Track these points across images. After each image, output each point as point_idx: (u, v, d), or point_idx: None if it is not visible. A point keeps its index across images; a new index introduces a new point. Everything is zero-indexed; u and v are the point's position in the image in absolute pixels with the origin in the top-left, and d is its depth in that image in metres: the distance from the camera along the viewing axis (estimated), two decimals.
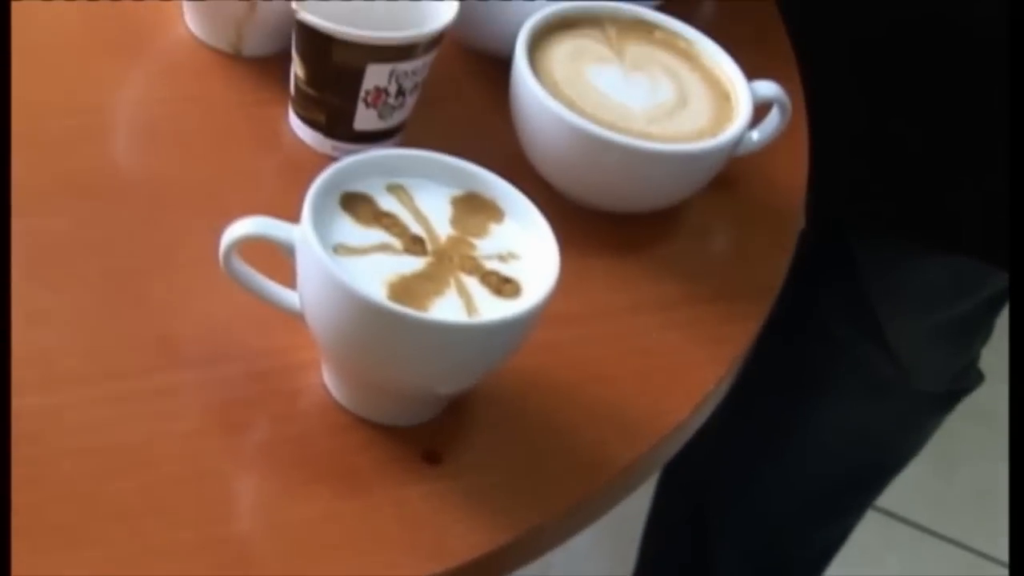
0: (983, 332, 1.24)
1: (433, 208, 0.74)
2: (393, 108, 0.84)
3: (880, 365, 1.21)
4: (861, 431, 1.28)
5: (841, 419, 1.27)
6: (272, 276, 0.74)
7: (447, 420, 0.75)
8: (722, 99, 0.88)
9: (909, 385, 1.23)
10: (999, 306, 1.20)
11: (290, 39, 0.83)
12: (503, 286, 0.72)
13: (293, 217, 0.71)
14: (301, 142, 0.86)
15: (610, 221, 0.87)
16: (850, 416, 1.27)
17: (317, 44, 0.81)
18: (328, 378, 0.74)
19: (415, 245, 0.72)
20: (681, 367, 0.82)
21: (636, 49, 0.89)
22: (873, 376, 1.23)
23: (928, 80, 1.07)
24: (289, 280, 0.73)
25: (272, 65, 0.88)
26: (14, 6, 0.82)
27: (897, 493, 1.49)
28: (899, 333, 1.19)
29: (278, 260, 0.73)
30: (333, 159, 0.75)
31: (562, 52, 0.87)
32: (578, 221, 0.85)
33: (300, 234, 0.70)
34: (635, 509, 1.52)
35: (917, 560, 1.81)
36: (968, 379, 1.27)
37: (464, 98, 0.92)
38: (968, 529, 1.84)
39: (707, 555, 1.39)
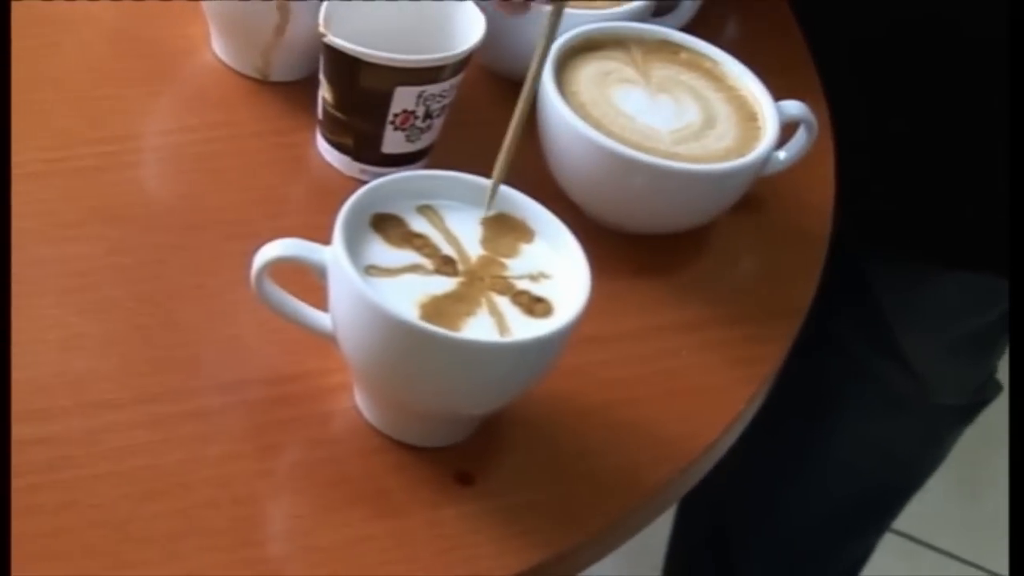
0: (1000, 345, 1.23)
1: (463, 229, 0.74)
2: (421, 131, 0.84)
3: (898, 381, 1.21)
4: (881, 447, 1.28)
5: (860, 436, 1.27)
6: (303, 300, 0.74)
7: (479, 441, 0.75)
8: (748, 119, 0.88)
9: (927, 400, 1.23)
10: None
11: (317, 63, 0.84)
12: (535, 306, 0.72)
13: (323, 241, 0.72)
14: (330, 166, 0.86)
15: (638, 243, 0.88)
16: (869, 432, 1.27)
17: (345, 68, 0.82)
18: (360, 400, 0.75)
19: (446, 266, 0.72)
20: (711, 388, 0.82)
21: (661, 70, 0.89)
22: (891, 392, 1.22)
23: (928, 81, 1.07)
24: (320, 304, 0.73)
25: (299, 90, 0.89)
26: (46, 36, 0.83)
27: (922, 518, 1.48)
28: (916, 349, 1.19)
29: (308, 284, 0.73)
30: (362, 183, 0.75)
31: (588, 74, 0.87)
32: (606, 243, 0.85)
33: (332, 255, 0.70)
34: (655, 532, 1.52)
35: None
36: (986, 391, 1.27)
37: (491, 120, 0.91)
38: (993, 554, 1.83)
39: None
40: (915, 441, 1.29)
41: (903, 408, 1.23)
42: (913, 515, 1.38)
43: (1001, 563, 1.82)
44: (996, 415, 1.30)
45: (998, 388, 1.27)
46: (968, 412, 1.28)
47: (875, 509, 1.35)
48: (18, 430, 0.69)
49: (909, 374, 1.20)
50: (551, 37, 0.76)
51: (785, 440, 1.29)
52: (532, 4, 0.82)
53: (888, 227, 1.13)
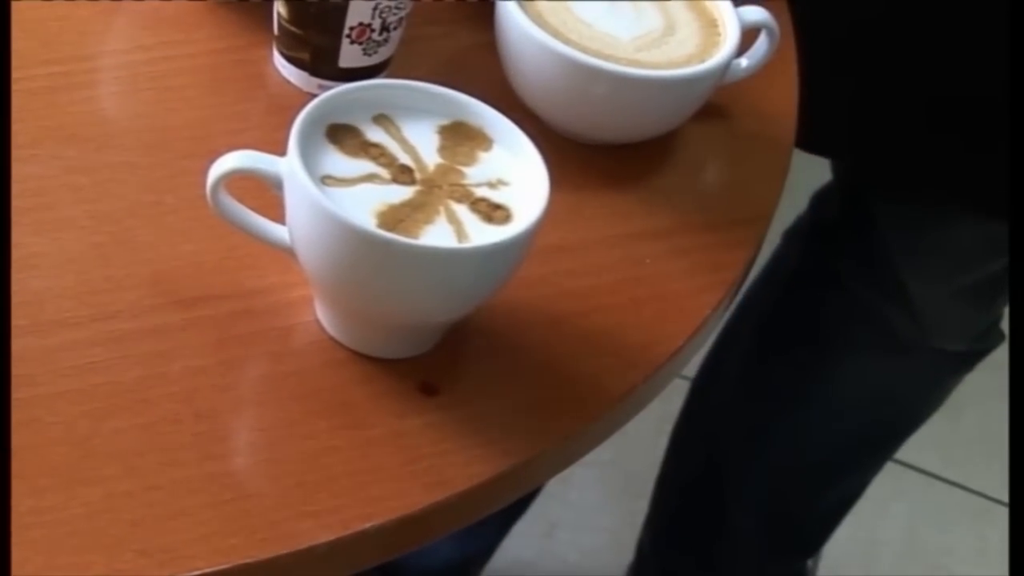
0: (1006, 293, 1.23)
1: (420, 138, 0.73)
2: (378, 44, 0.83)
3: (900, 324, 1.21)
4: (879, 389, 1.28)
5: (859, 377, 1.27)
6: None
7: (443, 352, 0.75)
8: (709, 25, 0.87)
9: (929, 344, 1.23)
10: None
11: None
12: (494, 212, 0.71)
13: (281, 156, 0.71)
14: (286, 82, 0.86)
15: (601, 153, 0.87)
16: (868, 374, 1.26)
17: None
18: (322, 314, 0.74)
19: (403, 175, 0.72)
20: (676, 295, 0.82)
21: None
22: (892, 334, 1.22)
23: (932, 33, 1.05)
24: (278, 218, 0.73)
25: (254, 6, 0.88)
26: None
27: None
28: (920, 292, 1.19)
29: (267, 200, 0.72)
30: None
31: None
32: (569, 154, 0.84)
33: (287, 166, 0.70)
34: (643, 465, 1.52)
35: (926, 506, 1.81)
36: (989, 339, 1.26)
37: (449, 34, 0.91)
38: (975, 473, 1.84)
39: (721, 510, 1.38)
40: (914, 384, 1.29)
41: (904, 351, 1.23)
42: None
43: (982, 482, 1.83)
44: None
45: (1001, 337, 1.26)
46: (970, 359, 1.27)
47: (871, 448, 1.35)
48: None
49: (911, 317, 1.20)
50: None
51: (783, 377, 1.30)
52: None
53: (901, 169, 1.12)
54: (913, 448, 1.45)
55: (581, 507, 1.67)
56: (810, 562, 1.51)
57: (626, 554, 1.53)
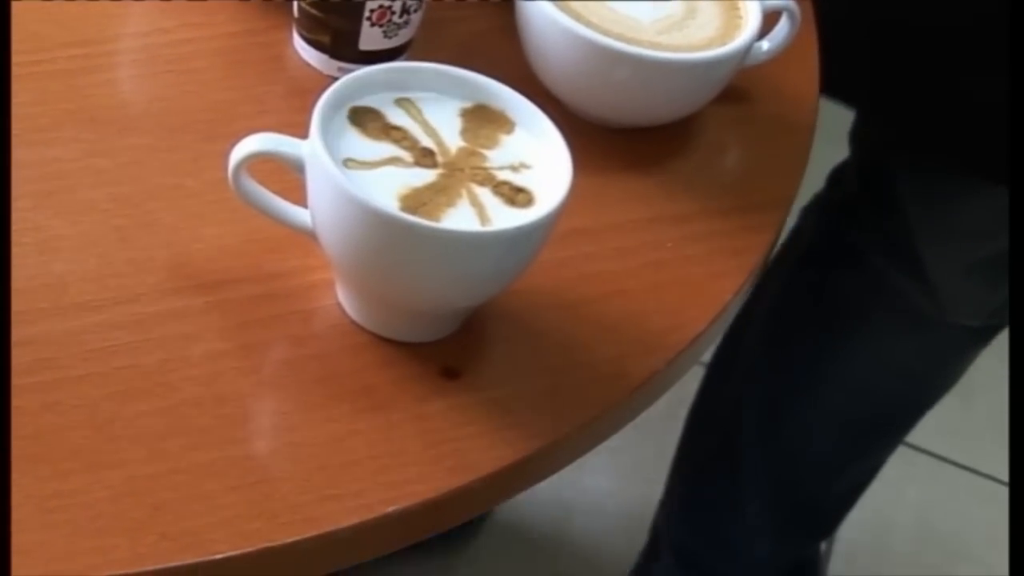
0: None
1: (442, 120, 0.73)
2: (398, 26, 0.83)
3: (916, 299, 1.20)
4: (895, 365, 1.27)
5: (875, 353, 1.26)
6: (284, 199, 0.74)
7: (464, 336, 0.75)
8: (730, 9, 0.87)
9: (944, 318, 1.22)
10: None
11: None
12: (516, 195, 0.71)
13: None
14: (307, 65, 0.85)
15: (622, 137, 0.87)
16: (884, 350, 1.26)
17: None
18: (343, 297, 0.74)
19: (425, 158, 0.71)
20: (698, 280, 0.81)
21: None
22: (908, 308, 1.21)
23: None
24: (299, 200, 0.72)
25: None
26: None
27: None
28: (936, 265, 1.18)
29: (288, 183, 0.72)
30: None
31: None
32: (591, 138, 0.84)
33: (309, 148, 0.69)
34: (656, 450, 1.52)
35: (936, 489, 1.81)
36: (1004, 315, 1.26)
37: (470, 17, 0.91)
38: (986, 457, 1.84)
39: (737, 491, 1.38)
40: (930, 360, 1.28)
41: (920, 326, 1.23)
42: None
43: (992, 466, 1.83)
44: None
45: None
46: (985, 334, 1.27)
47: (886, 427, 1.35)
48: None
49: (927, 292, 1.19)
50: None
51: (800, 355, 1.29)
52: None
53: (919, 125, 1.11)
54: (925, 432, 1.45)
55: (595, 492, 1.67)
56: (824, 545, 1.50)
57: (639, 538, 1.52)
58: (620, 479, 1.69)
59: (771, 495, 1.37)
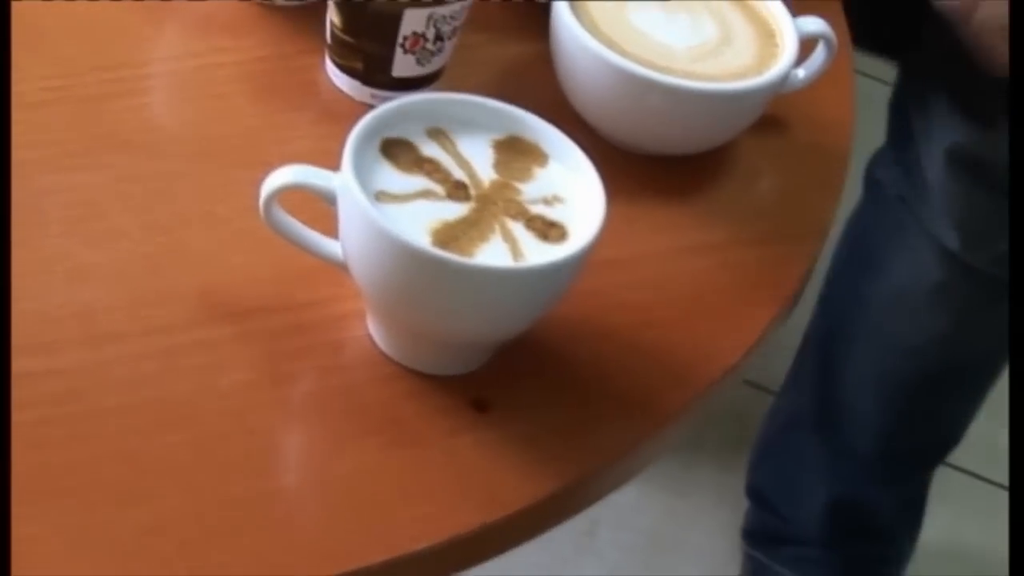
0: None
1: (475, 152, 0.72)
2: (432, 53, 0.83)
3: (927, 220, 1.23)
4: (922, 308, 1.30)
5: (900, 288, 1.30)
6: (313, 227, 0.73)
7: (495, 368, 0.74)
8: (766, 36, 0.86)
9: (963, 260, 1.24)
10: None
11: None
12: (549, 230, 0.70)
13: (333, 167, 0.70)
14: (339, 91, 0.85)
15: (655, 165, 0.86)
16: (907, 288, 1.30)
17: None
18: (373, 328, 0.73)
19: (458, 191, 0.71)
20: (731, 310, 0.81)
21: None
22: (930, 244, 1.24)
23: None
24: (331, 230, 0.72)
25: (306, 13, 0.87)
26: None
27: None
28: (927, 153, 1.21)
29: (318, 211, 0.72)
30: (372, 107, 0.73)
31: None
32: (623, 166, 0.83)
33: (341, 181, 0.69)
34: (681, 465, 1.52)
35: (969, 507, 1.79)
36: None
37: (503, 43, 0.90)
38: None
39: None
40: (960, 312, 1.30)
41: (944, 266, 1.25)
42: None
43: None
44: None
45: None
46: (1003, 288, 1.28)
47: (935, 388, 1.36)
48: (26, 363, 0.68)
49: (946, 224, 1.22)
50: None
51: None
52: None
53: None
54: (957, 449, 1.44)
55: (621, 506, 1.67)
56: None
57: (666, 553, 1.52)
58: (647, 494, 1.68)
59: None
